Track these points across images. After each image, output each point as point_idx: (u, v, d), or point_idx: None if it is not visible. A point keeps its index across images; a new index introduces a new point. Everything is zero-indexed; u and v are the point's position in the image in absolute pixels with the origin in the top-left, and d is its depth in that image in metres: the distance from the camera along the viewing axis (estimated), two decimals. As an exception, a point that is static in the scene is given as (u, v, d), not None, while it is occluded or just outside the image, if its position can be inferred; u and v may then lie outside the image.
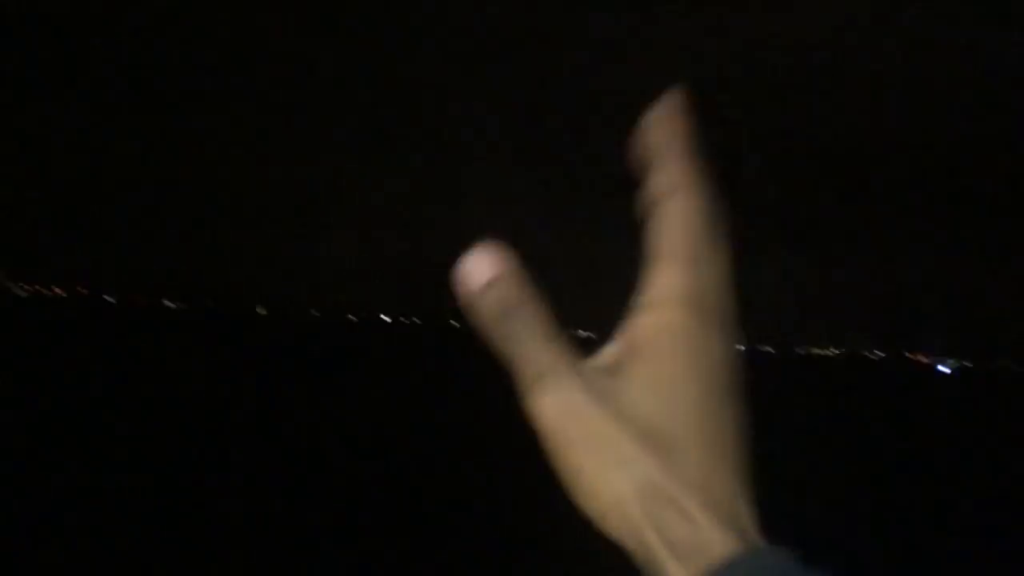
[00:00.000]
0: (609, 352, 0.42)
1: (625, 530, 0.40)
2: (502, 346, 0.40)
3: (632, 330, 0.41)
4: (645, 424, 0.40)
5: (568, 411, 0.40)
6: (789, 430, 19.71)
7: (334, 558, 6.60)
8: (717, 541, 0.39)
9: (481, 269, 0.39)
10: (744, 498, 0.41)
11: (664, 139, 0.40)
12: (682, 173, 0.40)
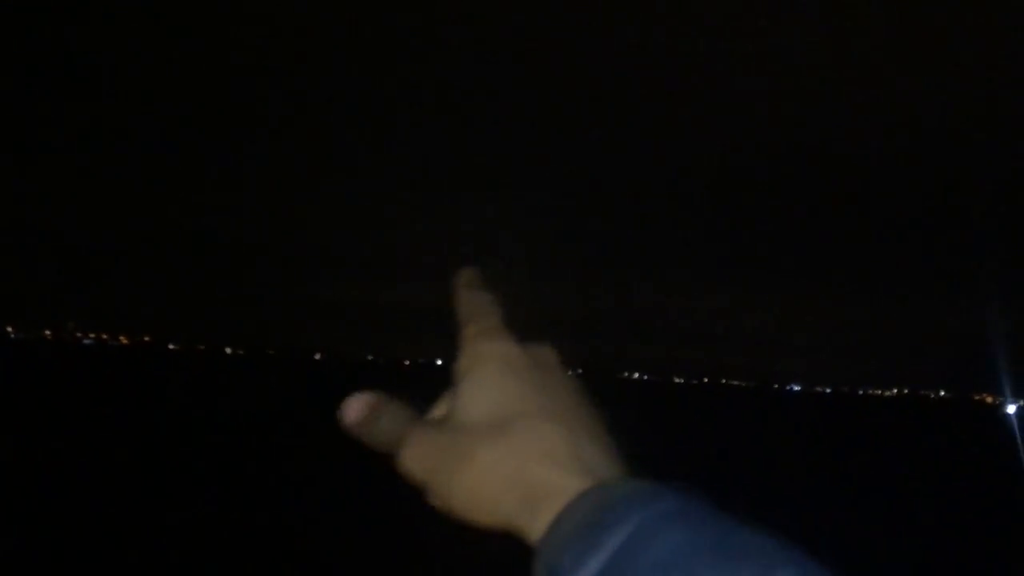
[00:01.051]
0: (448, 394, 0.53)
1: (498, 514, 0.48)
2: (382, 443, 0.52)
3: (458, 364, 0.53)
4: (482, 422, 0.49)
5: (420, 452, 0.50)
6: (849, 470, 19.52)
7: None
8: (572, 486, 0.46)
9: (357, 408, 0.53)
10: (598, 452, 0.49)
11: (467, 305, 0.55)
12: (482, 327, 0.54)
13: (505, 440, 0.48)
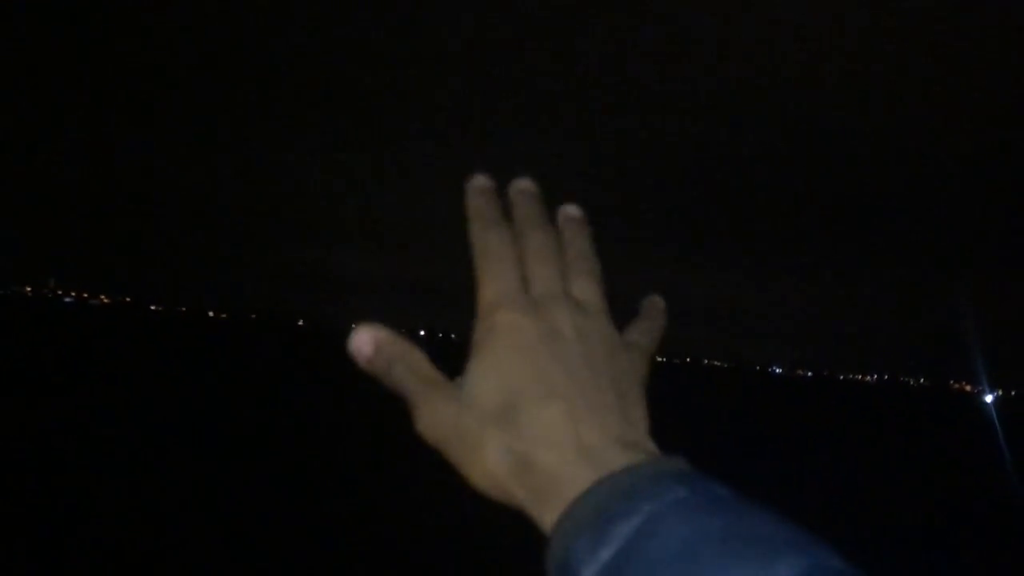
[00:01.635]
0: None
1: (510, 499, 0.49)
2: (395, 389, 0.53)
3: (473, 334, 0.53)
4: (489, 404, 0.50)
5: (435, 423, 0.51)
6: (829, 454, 19.55)
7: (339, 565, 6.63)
8: (579, 477, 0.47)
9: (364, 343, 0.53)
10: (606, 433, 0.49)
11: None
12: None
13: (510, 427, 0.49)
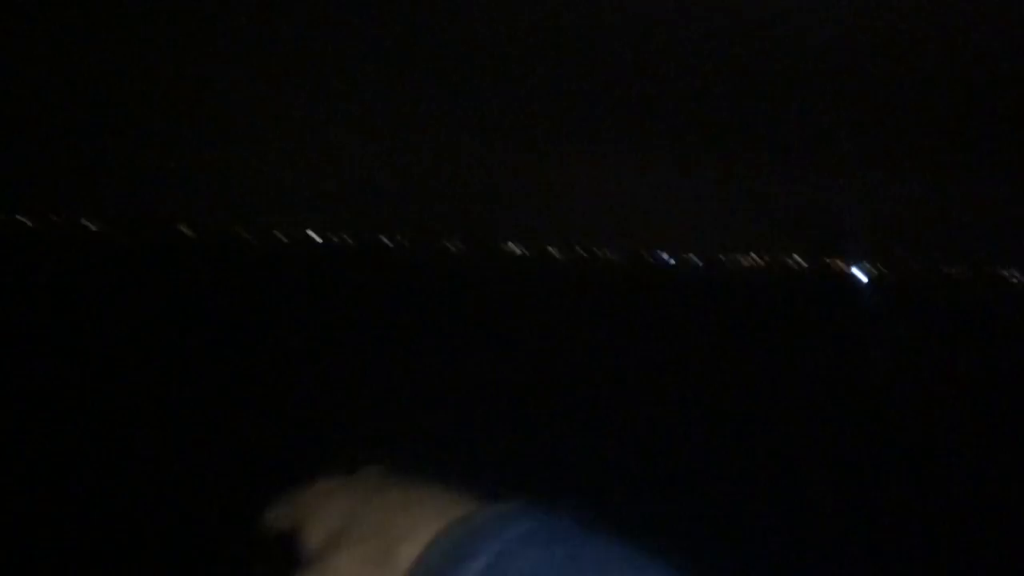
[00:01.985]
0: None
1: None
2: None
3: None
4: (321, 544, 0.49)
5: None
6: (716, 339, 20.37)
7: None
8: (426, 529, 0.46)
9: (279, 518, 0.53)
10: (439, 492, 0.49)
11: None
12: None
13: (347, 535, 0.48)
